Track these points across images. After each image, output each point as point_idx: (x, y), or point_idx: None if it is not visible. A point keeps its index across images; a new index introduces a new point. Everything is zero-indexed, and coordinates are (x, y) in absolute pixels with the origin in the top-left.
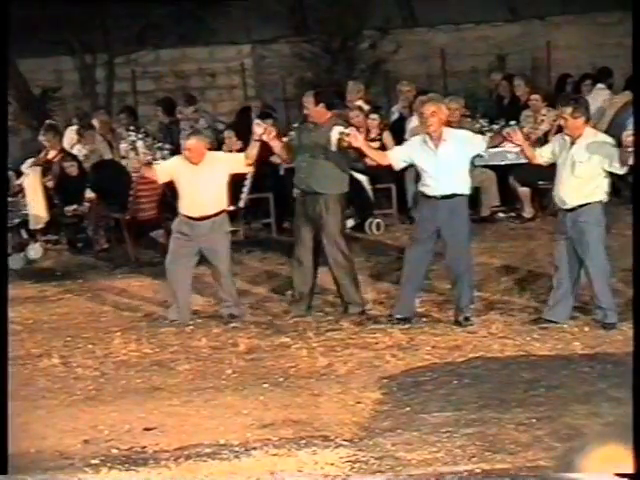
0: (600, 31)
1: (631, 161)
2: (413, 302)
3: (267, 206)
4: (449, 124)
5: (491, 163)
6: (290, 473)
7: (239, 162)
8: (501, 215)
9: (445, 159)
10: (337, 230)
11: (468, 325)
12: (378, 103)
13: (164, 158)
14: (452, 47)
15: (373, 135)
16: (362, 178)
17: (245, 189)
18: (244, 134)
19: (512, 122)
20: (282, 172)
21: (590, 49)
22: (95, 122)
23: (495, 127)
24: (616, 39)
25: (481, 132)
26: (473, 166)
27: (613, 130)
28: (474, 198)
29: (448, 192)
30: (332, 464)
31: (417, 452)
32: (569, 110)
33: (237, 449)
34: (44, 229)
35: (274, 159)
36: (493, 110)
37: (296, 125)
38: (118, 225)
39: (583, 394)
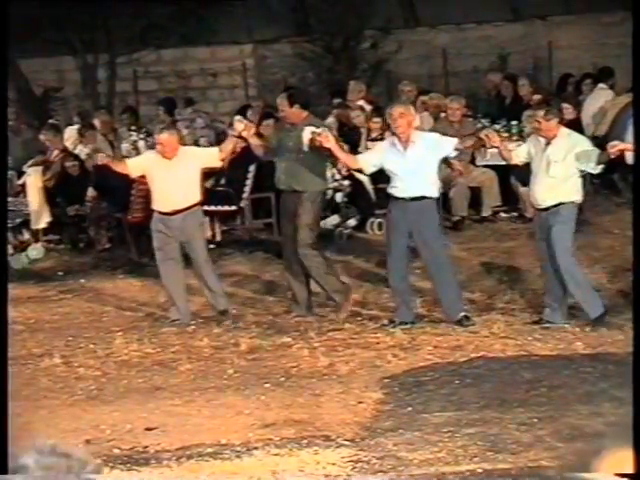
0: (602, 31)
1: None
2: (411, 305)
3: (269, 206)
4: (451, 124)
5: (492, 163)
6: (292, 473)
7: (212, 156)
8: (502, 215)
9: (413, 161)
10: (308, 225)
11: (469, 325)
12: (379, 103)
13: None
14: (454, 47)
15: (374, 135)
16: (364, 178)
17: (247, 189)
18: None
19: (514, 122)
20: None
21: (592, 49)
22: (96, 122)
23: (496, 126)
24: (618, 39)
25: None
26: (474, 166)
27: (614, 131)
28: (476, 198)
29: (417, 194)
30: (334, 464)
31: (419, 452)
32: (541, 113)
33: (239, 449)
34: (46, 229)
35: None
36: (494, 110)
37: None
38: (120, 225)
39: (585, 394)
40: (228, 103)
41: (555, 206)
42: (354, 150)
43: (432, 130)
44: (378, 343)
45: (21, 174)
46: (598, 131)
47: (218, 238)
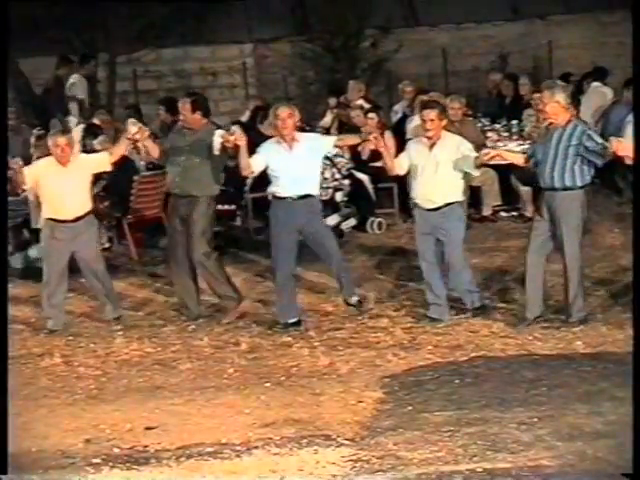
0: (602, 30)
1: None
2: (296, 304)
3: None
4: (451, 123)
5: (493, 162)
6: (292, 472)
7: (103, 161)
8: (503, 214)
9: (299, 159)
10: (201, 232)
11: (364, 309)
12: (379, 102)
13: None
14: (453, 46)
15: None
16: (364, 177)
17: (247, 188)
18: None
19: (514, 121)
20: None
21: (592, 48)
22: (96, 121)
23: (497, 126)
24: (618, 38)
25: (482, 131)
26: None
27: (607, 130)
28: (476, 197)
29: (303, 192)
30: (334, 463)
31: (419, 451)
32: (434, 114)
33: (239, 448)
34: None
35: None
36: (495, 109)
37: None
38: (119, 224)
39: (585, 393)
40: (228, 102)
41: (446, 205)
42: (354, 149)
43: None
44: (378, 342)
45: None
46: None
47: None
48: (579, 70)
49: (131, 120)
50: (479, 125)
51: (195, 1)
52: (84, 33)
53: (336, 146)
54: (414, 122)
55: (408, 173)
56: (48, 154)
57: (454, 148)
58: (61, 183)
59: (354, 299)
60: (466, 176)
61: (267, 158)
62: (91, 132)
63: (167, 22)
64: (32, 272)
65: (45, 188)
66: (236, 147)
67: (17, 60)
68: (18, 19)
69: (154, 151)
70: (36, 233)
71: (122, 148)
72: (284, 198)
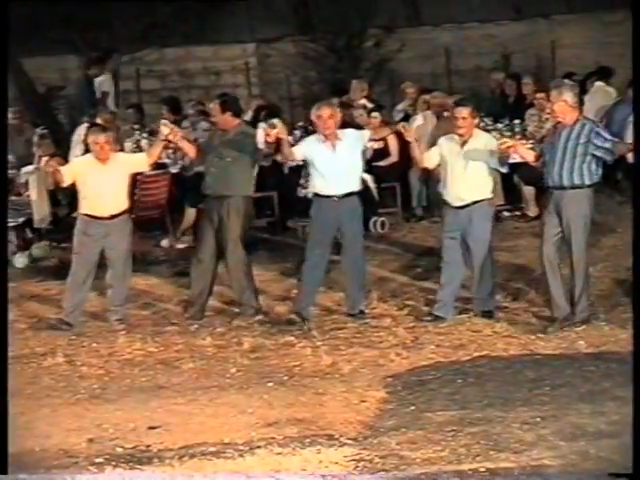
0: (605, 29)
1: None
2: (313, 301)
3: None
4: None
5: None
6: (294, 472)
7: (141, 162)
8: (506, 214)
9: (343, 158)
10: (237, 233)
11: (365, 319)
12: (382, 102)
13: (168, 157)
14: (456, 46)
15: (377, 137)
16: (367, 177)
17: None
18: None
19: (516, 121)
20: (286, 171)
21: (595, 48)
22: (99, 121)
23: (499, 125)
24: (621, 37)
25: (485, 130)
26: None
27: (611, 129)
28: None
29: (347, 191)
30: (336, 463)
31: (421, 451)
32: (466, 111)
33: (241, 448)
34: (49, 228)
35: (278, 158)
36: (497, 108)
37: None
38: None
39: (587, 393)
40: None
41: (475, 203)
42: None
43: (435, 129)
44: (381, 342)
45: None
46: None
47: None
48: (582, 70)
49: (163, 121)
50: (481, 125)
51: (198, 1)
52: (87, 33)
53: (371, 139)
54: (417, 122)
55: (409, 174)
56: (50, 153)
57: (482, 146)
58: (99, 180)
59: (357, 310)
60: (493, 174)
61: (309, 155)
62: None
63: (170, 22)
64: (35, 271)
65: (83, 185)
66: (278, 140)
67: (20, 60)
68: (20, 19)
69: (191, 151)
70: (39, 232)
71: (157, 150)
72: (329, 196)
